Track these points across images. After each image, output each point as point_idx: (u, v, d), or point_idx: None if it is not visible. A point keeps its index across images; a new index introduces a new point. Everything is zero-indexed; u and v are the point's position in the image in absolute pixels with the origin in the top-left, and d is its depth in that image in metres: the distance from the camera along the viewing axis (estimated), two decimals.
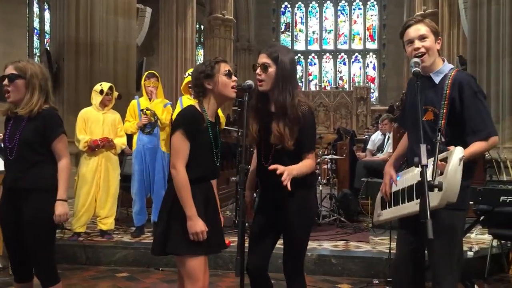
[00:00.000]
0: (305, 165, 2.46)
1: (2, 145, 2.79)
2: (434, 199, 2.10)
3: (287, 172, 2.29)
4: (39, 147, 2.65)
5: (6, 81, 2.64)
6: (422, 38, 2.43)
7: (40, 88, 2.67)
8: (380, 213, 2.65)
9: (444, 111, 2.37)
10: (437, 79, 2.44)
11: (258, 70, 2.50)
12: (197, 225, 2.33)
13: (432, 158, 2.12)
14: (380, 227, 5.39)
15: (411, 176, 2.40)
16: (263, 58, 2.51)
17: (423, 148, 2.06)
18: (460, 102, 2.36)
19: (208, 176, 2.52)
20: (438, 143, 2.13)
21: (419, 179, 2.13)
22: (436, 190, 2.03)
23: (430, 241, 1.93)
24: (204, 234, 2.34)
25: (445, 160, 2.17)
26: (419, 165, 2.05)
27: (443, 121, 2.37)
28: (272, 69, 2.48)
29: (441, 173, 2.16)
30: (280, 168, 2.30)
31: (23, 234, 2.64)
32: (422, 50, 2.42)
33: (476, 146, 2.32)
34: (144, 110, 5.17)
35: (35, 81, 2.66)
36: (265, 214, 2.59)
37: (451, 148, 2.19)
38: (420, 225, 2.24)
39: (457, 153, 2.14)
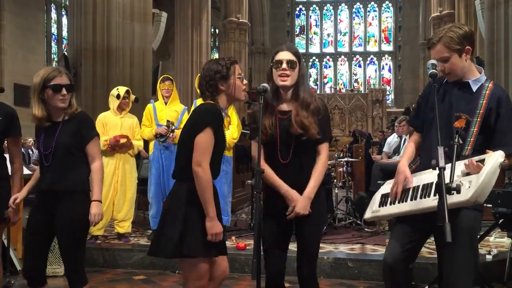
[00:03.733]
0: (320, 170, 2.54)
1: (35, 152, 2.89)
2: (463, 194, 2.10)
3: (304, 210, 2.45)
4: (75, 149, 2.71)
5: (64, 91, 2.69)
6: (443, 60, 2.42)
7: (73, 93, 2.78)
8: (377, 210, 2.60)
9: (478, 119, 2.38)
10: (474, 87, 2.45)
11: (284, 66, 2.51)
12: (217, 226, 2.34)
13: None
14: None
15: (429, 175, 2.38)
16: (287, 55, 2.54)
17: (440, 150, 2.04)
18: (496, 114, 2.38)
19: (217, 175, 2.52)
20: (456, 145, 2.12)
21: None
22: (454, 192, 2.01)
23: (448, 244, 1.91)
24: (221, 236, 2.37)
25: (481, 162, 2.16)
26: (437, 167, 2.03)
27: (475, 129, 2.38)
28: (296, 66, 2.54)
29: (468, 174, 2.17)
30: (299, 212, 2.45)
31: (52, 236, 2.71)
32: (447, 71, 2.44)
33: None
34: (169, 124, 5.18)
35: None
36: (275, 217, 2.55)
37: (490, 151, 2.20)
38: (425, 223, 2.28)
39: (498, 156, 2.14)
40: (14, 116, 2.97)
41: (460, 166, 2.15)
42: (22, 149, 9.39)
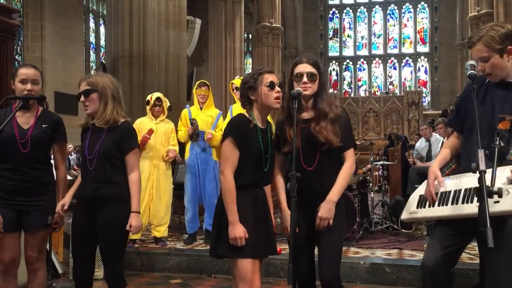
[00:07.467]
0: (344, 176, 2.55)
1: (73, 156, 2.96)
2: (508, 202, 2.03)
3: (327, 213, 2.48)
4: (115, 158, 2.77)
5: (82, 98, 2.78)
6: (482, 60, 2.34)
7: (112, 98, 2.80)
8: (415, 211, 2.55)
9: None
10: None
11: (305, 79, 2.53)
12: (236, 231, 2.39)
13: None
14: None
15: (470, 179, 2.30)
16: (307, 68, 2.56)
17: (481, 153, 1.99)
18: None
19: (257, 181, 2.55)
20: (497, 148, 2.05)
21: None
22: (495, 196, 1.95)
23: (491, 250, 1.85)
24: (243, 240, 2.39)
25: None
26: (477, 171, 1.97)
27: None
28: (317, 78, 2.57)
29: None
30: (322, 216, 2.48)
31: (96, 241, 2.78)
32: (487, 71, 2.35)
33: None
34: (193, 122, 5.23)
35: (107, 92, 2.79)
36: (299, 222, 2.52)
37: None
38: (466, 227, 2.23)
39: None
40: (60, 123, 3.08)
41: (505, 172, 2.06)
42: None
